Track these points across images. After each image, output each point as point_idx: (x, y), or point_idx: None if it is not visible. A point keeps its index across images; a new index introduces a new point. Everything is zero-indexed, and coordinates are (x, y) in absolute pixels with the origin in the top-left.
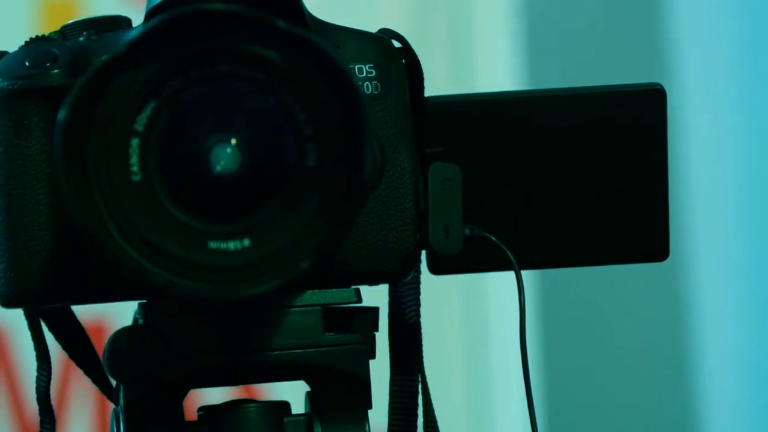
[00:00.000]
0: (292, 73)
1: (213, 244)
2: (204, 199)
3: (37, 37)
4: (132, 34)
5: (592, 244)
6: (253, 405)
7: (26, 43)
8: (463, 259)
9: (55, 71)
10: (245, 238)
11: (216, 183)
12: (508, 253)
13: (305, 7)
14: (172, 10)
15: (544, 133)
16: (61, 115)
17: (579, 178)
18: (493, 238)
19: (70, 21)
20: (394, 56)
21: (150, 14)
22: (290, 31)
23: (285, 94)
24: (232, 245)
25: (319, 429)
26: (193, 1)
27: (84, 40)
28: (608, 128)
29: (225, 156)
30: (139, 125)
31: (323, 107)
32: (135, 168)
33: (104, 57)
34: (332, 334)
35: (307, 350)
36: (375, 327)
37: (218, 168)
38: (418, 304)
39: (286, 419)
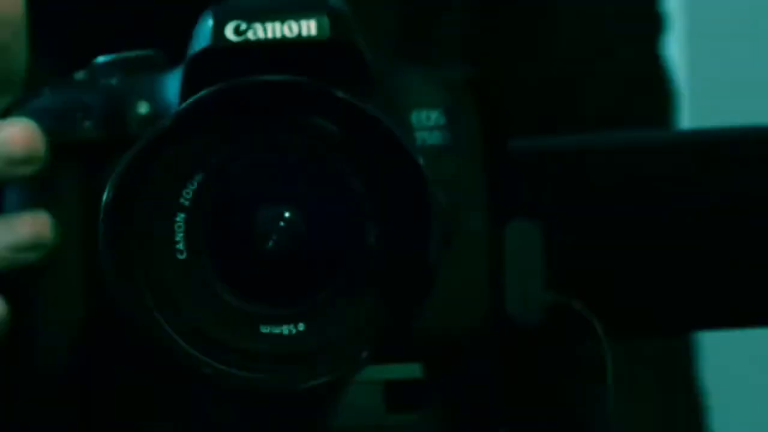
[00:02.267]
0: (352, 145)
1: (265, 329)
2: (255, 279)
3: (65, 79)
4: (179, 108)
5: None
6: None
7: (52, 86)
8: (542, 330)
9: (87, 124)
10: (300, 322)
11: (268, 261)
12: (596, 324)
13: (368, 56)
14: (223, 82)
15: (642, 184)
16: (106, 197)
17: (683, 234)
18: (578, 307)
19: (100, 59)
20: (466, 100)
21: (192, 63)
22: (351, 102)
23: (343, 166)
24: (285, 329)
25: None
26: (240, 67)
27: (116, 83)
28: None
29: (278, 231)
30: (185, 199)
31: (385, 182)
32: (180, 245)
33: (149, 133)
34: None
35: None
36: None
37: (270, 244)
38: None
39: None
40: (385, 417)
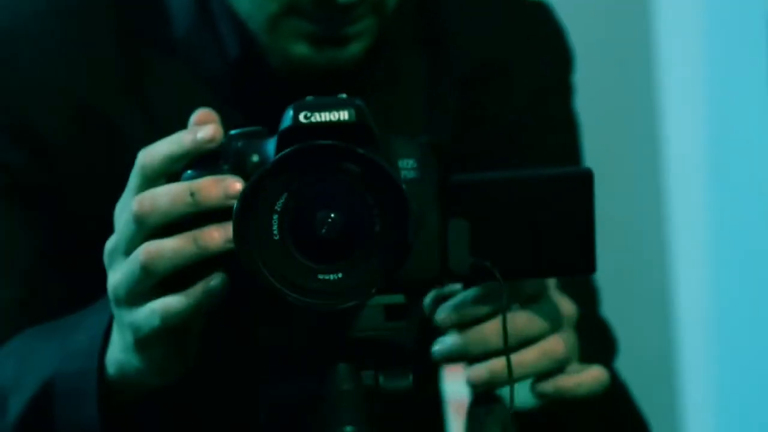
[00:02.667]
0: (366, 178)
1: (321, 276)
2: (315, 249)
3: (218, 147)
4: (274, 158)
5: (543, 262)
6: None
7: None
8: (468, 277)
9: (225, 167)
10: (339, 272)
11: (322, 240)
12: (495, 271)
13: (375, 130)
14: (298, 144)
15: (515, 200)
16: (235, 206)
17: (533, 226)
18: (488, 264)
19: (232, 132)
20: (429, 153)
21: (282, 134)
22: (365, 155)
23: (362, 189)
24: (331, 277)
25: (382, 377)
26: (307, 136)
27: (241, 145)
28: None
29: (327, 224)
30: (278, 207)
31: (384, 197)
32: (275, 232)
33: (259, 171)
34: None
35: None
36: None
37: (323, 231)
38: None
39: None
40: (385, 323)
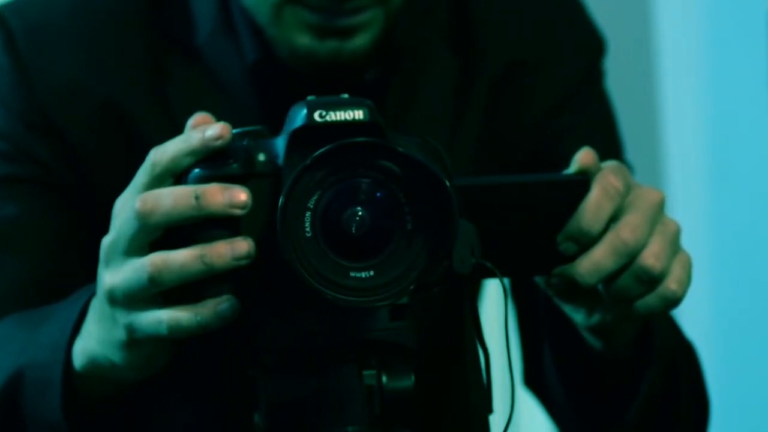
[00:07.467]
0: (402, 176)
1: (353, 274)
2: (347, 247)
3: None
4: (312, 155)
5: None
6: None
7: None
8: (471, 275)
9: (234, 165)
10: (370, 270)
11: (353, 238)
12: (496, 271)
13: (387, 131)
14: (335, 142)
15: (514, 204)
16: (280, 202)
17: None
18: (489, 264)
19: (235, 131)
20: (431, 154)
21: (295, 133)
22: (405, 153)
23: (394, 187)
24: (363, 274)
25: (385, 377)
26: (322, 135)
27: (246, 143)
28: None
29: (356, 222)
30: (311, 204)
31: (416, 194)
32: (308, 229)
33: (298, 167)
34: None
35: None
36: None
37: (353, 229)
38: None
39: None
40: (389, 323)
